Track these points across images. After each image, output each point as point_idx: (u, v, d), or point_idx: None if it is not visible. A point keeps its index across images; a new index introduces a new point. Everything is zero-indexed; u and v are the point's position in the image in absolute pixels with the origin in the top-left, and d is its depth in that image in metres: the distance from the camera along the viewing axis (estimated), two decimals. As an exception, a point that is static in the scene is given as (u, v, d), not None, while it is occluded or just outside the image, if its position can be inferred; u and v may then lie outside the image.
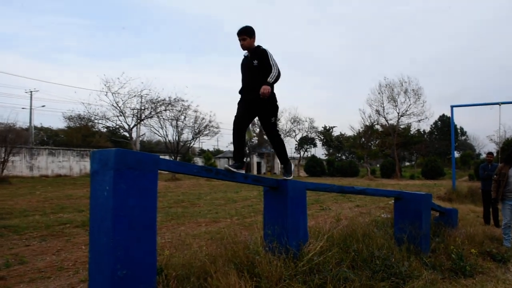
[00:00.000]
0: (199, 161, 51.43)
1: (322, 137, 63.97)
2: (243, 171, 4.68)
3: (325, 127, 65.01)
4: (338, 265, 4.55)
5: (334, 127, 66.75)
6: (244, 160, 4.92)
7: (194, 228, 8.94)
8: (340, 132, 65.84)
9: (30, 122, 48.22)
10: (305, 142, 58.64)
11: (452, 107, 19.00)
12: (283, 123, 53.87)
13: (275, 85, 4.80)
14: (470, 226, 8.10)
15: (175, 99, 34.06)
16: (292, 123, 54.22)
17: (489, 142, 56.97)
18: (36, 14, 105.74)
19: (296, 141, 57.75)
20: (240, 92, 4.97)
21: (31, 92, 49.50)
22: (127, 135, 33.24)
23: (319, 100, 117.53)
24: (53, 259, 6.17)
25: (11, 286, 4.86)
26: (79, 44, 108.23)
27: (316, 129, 60.04)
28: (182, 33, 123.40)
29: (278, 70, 4.69)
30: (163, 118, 34.63)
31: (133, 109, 32.50)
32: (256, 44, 4.90)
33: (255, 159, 55.99)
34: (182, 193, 19.16)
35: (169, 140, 36.18)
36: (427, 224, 6.25)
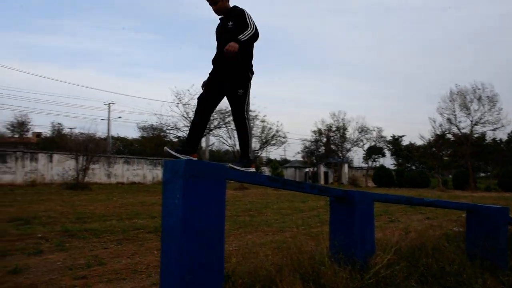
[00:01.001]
0: (266, 171, 51.74)
1: (390, 147, 62.32)
2: (252, 169, 4.02)
3: (393, 137, 63.32)
4: (406, 279, 4.41)
5: (403, 136, 64.82)
6: (198, 147, 4.07)
7: (260, 236, 9.01)
8: (410, 142, 63.71)
9: (108, 133, 51.04)
10: (373, 151, 57.36)
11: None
12: (350, 132, 53.10)
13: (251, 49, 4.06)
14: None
15: (243, 109, 34.53)
16: (359, 133, 53.24)
17: None
18: (114, 32, 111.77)
19: (364, 150, 56.67)
20: (213, 61, 4.16)
21: (109, 104, 52.49)
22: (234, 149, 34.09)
23: (387, 109, 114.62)
24: (128, 262, 6.46)
25: (91, 285, 5.17)
26: (154, 58, 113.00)
27: (385, 139, 58.59)
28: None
29: (256, 29, 3.91)
30: (231, 128, 35.28)
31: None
32: (231, 5, 4.16)
33: (322, 168, 55.46)
34: (250, 202, 19.36)
35: (237, 150, 36.72)
36: (504, 240, 5.90)
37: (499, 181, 43.64)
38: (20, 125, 57.71)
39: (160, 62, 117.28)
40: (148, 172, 38.88)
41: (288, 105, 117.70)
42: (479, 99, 44.72)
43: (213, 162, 3.89)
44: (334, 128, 53.83)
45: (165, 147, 3.76)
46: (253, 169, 3.98)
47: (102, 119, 53.27)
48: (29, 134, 60.52)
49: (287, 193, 24.90)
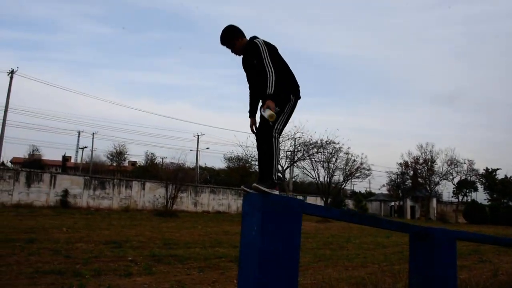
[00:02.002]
0: (350, 203, 50.65)
1: (483, 181, 58.33)
2: (276, 192, 3.63)
3: (487, 170, 59.20)
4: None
5: (497, 169, 60.34)
6: (278, 178, 3.77)
7: (340, 271, 8.85)
8: (506, 175, 59.15)
9: (196, 163, 53.04)
10: (464, 185, 54.01)
11: None
12: (439, 164, 50.61)
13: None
14: None
15: (326, 141, 34.49)
16: (449, 165, 50.56)
17: None
18: (202, 68, 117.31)
19: (454, 184, 53.52)
20: (251, 96, 4.00)
21: (198, 135, 54.65)
22: (281, 176, 34.42)
23: (479, 141, 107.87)
24: (209, 289, 6.67)
25: (173, 310, 5.41)
26: (238, 91, 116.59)
27: (477, 172, 54.97)
28: (332, 77, 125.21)
29: (272, 72, 3.61)
30: (315, 160, 35.25)
31: (286, 151, 33.74)
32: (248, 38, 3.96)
33: (409, 202, 53.12)
34: (332, 235, 19.06)
35: (320, 182, 36.50)
36: None
37: None
38: (118, 155, 61.94)
39: (241, 94, 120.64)
40: (232, 202, 39.64)
41: (373, 137, 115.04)
42: None
43: (291, 196, 3.96)
44: (421, 161, 51.69)
45: (254, 184, 3.60)
46: (276, 192, 3.62)
47: (191, 150, 55.75)
48: (126, 163, 64.71)
49: (370, 227, 24.17)
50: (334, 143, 34.91)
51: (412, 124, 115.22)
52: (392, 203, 55.79)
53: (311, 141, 34.09)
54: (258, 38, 3.86)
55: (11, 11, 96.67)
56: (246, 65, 3.96)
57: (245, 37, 3.93)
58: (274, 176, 3.66)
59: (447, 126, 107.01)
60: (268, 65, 3.61)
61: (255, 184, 3.55)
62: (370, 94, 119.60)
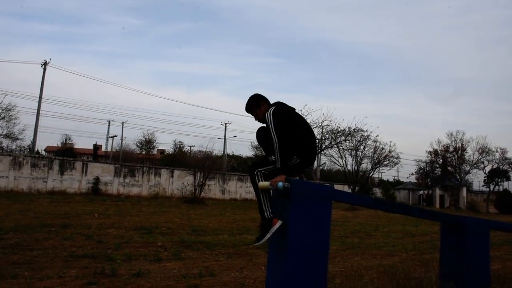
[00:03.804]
0: (378, 192, 50.11)
1: (517, 170, 56.71)
2: (275, 227, 3.52)
3: (520, 158, 57.50)
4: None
5: (532, 158, 58.51)
6: (267, 215, 3.69)
7: (368, 259, 8.78)
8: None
9: (224, 151, 53.33)
10: (496, 174, 52.61)
11: None
12: (469, 153, 49.44)
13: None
14: None
15: (354, 129, 34.10)
16: (480, 154, 49.28)
17: None
18: (233, 57, 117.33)
19: (485, 173, 52.19)
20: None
21: (225, 124, 54.88)
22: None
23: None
24: (237, 275, 6.70)
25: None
26: (267, 80, 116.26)
27: (509, 160, 53.42)
28: (362, 65, 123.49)
29: (277, 142, 3.61)
30: (343, 148, 34.94)
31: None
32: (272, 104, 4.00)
33: (438, 191, 52.21)
34: (359, 223, 18.91)
35: (348, 170, 36.20)
36: None
37: None
38: (147, 143, 62.83)
39: (275, 84, 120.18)
40: (259, 190, 39.61)
41: (402, 125, 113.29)
42: None
43: (321, 183, 3.92)
44: (451, 149, 50.53)
45: (253, 244, 3.78)
46: (276, 226, 3.52)
47: (219, 138, 56.05)
48: (154, 151, 65.55)
49: (398, 216, 23.87)
50: (362, 130, 34.48)
51: (440, 112, 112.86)
52: (421, 192, 54.91)
53: (339, 129, 33.75)
54: (274, 107, 3.84)
55: (45, 4, 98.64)
56: (261, 135, 4.00)
57: (269, 104, 3.99)
58: (265, 214, 3.68)
59: (477, 114, 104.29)
60: (273, 132, 3.65)
61: (254, 244, 3.74)
62: (398, 82, 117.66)
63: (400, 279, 4.79)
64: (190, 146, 54.94)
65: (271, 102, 4.01)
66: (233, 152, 62.36)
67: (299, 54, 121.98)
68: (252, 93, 4.10)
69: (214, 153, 36.93)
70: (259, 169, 3.73)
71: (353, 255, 9.22)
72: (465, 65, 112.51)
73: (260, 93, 4.09)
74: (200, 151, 34.94)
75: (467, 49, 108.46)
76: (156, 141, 64.02)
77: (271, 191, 3.66)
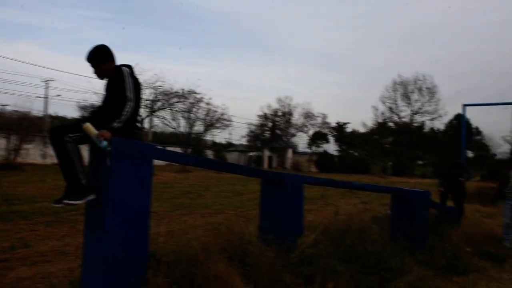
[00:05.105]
0: (210, 154, 51.68)
1: (335, 133, 63.83)
2: (92, 196, 3.44)
3: (338, 123, 64.78)
4: (329, 257, 4.64)
5: (347, 123, 66.36)
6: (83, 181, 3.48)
7: (197, 218, 9.08)
8: (353, 129, 65.47)
9: (45, 111, 48.95)
10: (318, 137, 58.56)
11: (464, 105, 18.96)
12: (296, 117, 53.99)
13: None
14: (471, 226, 8.12)
15: (188, 91, 34.33)
16: (305, 118, 54.28)
17: (504, 143, 56.43)
18: (57, 7, 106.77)
19: (309, 136, 57.75)
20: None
21: (46, 81, 50.24)
22: (139, 125, 33.58)
23: (333, 96, 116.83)
24: (56, 244, 6.35)
25: (13, 268, 5.05)
26: (96, 36, 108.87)
27: (329, 125, 59.94)
28: (194, 27, 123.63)
29: (132, 104, 3.56)
30: (176, 110, 35.00)
31: (145, 100, 32.80)
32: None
33: (267, 153, 56.08)
34: (190, 184, 19.36)
35: (181, 132, 36.51)
36: (424, 221, 6.30)
37: (434, 169, 46.06)
38: None
39: (105, 41, 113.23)
40: (87, 153, 37.71)
41: (235, 89, 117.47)
42: (420, 90, 46.90)
43: (142, 141, 3.88)
44: (280, 113, 54.56)
45: (65, 201, 3.40)
46: (93, 196, 3.45)
47: (38, 97, 51.04)
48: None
49: (229, 176, 25.07)
50: (196, 93, 34.94)
51: (272, 78, 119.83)
52: (251, 154, 58.31)
53: (172, 91, 33.66)
54: (128, 69, 3.76)
55: None
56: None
57: (114, 62, 3.83)
58: (82, 182, 3.46)
59: (304, 81, 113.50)
60: (130, 99, 3.53)
61: (66, 201, 3.39)
62: (233, 47, 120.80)
63: (224, 234, 5.07)
64: (3, 105, 49.26)
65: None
66: (56, 113, 57.80)
67: (133, 11, 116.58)
68: (97, 44, 3.80)
69: (32, 114, 33.73)
70: (70, 135, 3.46)
71: (182, 216, 9.45)
72: (297, 36, 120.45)
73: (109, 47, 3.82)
74: (15, 110, 31.52)
75: (300, 21, 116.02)
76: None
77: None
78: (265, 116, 55.39)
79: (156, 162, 3.82)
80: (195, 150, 40.81)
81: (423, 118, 49.33)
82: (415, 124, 49.81)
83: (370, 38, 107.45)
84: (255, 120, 58.58)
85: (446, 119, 53.63)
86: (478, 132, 78.23)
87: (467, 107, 19.22)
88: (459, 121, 68.31)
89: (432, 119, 48.61)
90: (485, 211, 11.89)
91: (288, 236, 4.74)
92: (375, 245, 5.26)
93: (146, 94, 32.70)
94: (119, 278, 3.31)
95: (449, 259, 5.74)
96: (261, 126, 56.58)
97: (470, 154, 69.25)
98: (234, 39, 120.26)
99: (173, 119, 35.89)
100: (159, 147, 3.98)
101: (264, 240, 4.61)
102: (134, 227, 3.44)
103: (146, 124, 34.20)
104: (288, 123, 54.32)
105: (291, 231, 4.87)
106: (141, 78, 28.37)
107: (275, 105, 55.47)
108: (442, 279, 5.23)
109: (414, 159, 53.70)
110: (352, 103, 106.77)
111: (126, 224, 3.39)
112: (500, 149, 62.35)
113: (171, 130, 40.90)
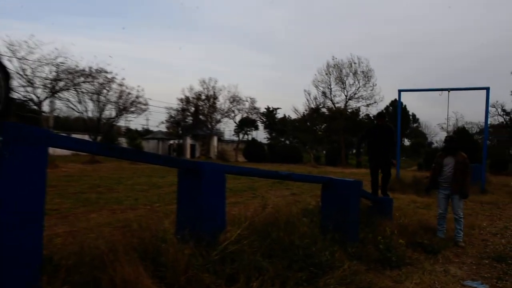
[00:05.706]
0: (124, 142, 50.47)
1: (264, 119, 64.52)
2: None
3: (268, 109, 65.54)
4: (253, 253, 4.67)
5: (278, 108, 67.23)
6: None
7: (106, 216, 8.83)
8: (284, 115, 66.49)
9: None
10: (246, 124, 58.90)
11: (399, 91, 19.89)
12: (221, 101, 53.92)
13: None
14: (405, 217, 8.52)
15: (96, 70, 33.12)
16: (231, 103, 54.33)
17: (441, 131, 59.88)
18: None
19: (236, 122, 57.93)
20: None
21: None
22: (37, 109, 31.97)
23: (262, 79, 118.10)
24: None
25: None
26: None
27: (258, 110, 60.45)
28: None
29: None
30: (82, 92, 33.62)
31: (44, 79, 31.23)
32: None
33: (189, 141, 55.69)
34: (100, 177, 18.82)
35: (88, 117, 35.24)
36: (355, 212, 6.53)
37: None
38: None
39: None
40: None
41: (151, 68, 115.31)
42: (355, 73, 48.40)
43: (34, 126, 3.65)
44: (203, 97, 54.19)
45: None
46: None
47: None
48: None
49: (145, 167, 24.67)
50: (106, 72, 33.80)
51: (194, 58, 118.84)
52: (171, 142, 57.70)
53: (77, 69, 32.28)
54: None
55: None
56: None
57: None
58: None
59: (230, 62, 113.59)
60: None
61: None
62: (150, 23, 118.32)
63: (135, 232, 4.94)
64: None
65: None
66: None
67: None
68: None
69: None
70: None
71: (89, 212, 9.15)
72: (223, 11, 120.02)
73: None
74: None
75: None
76: None
77: None
78: (186, 100, 54.79)
79: (59, 152, 3.67)
80: (106, 137, 39.65)
81: (359, 104, 51.06)
82: (350, 110, 51.44)
83: (304, 15, 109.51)
84: (175, 104, 57.97)
85: (383, 105, 56.04)
86: (414, 119, 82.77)
87: (403, 93, 20.17)
88: (395, 108, 71.83)
89: (368, 105, 50.41)
90: (421, 201, 12.57)
91: (208, 231, 4.71)
92: (303, 239, 5.36)
93: (45, 71, 31.19)
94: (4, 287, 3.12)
95: (382, 251, 6.00)
96: (183, 111, 55.94)
97: (406, 142, 73.19)
98: (152, 11, 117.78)
99: (79, 102, 34.34)
100: (62, 134, 3.79)
101: (182, 237, 4.55)
102: (25, 226, 3.25)
103: (45, 107, 32.58)
104: (213, 107, 54.12)
105: (212, 226, 4.84)
106: (39, 53, 27.11)
107: (198, 88, 55.09)
108: (375, 273, 5.46)
109: (349, 147, 55.60)
110: (283, 87, 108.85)
111: (12, 224, 3.19)
112: (437, 137, 66.33)
113: (77, 114, 39.41)
